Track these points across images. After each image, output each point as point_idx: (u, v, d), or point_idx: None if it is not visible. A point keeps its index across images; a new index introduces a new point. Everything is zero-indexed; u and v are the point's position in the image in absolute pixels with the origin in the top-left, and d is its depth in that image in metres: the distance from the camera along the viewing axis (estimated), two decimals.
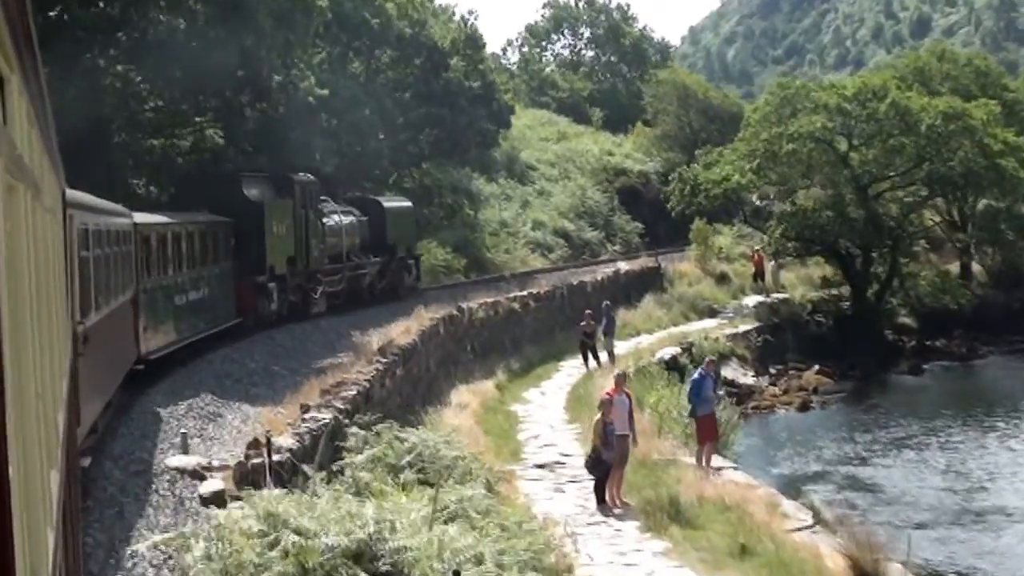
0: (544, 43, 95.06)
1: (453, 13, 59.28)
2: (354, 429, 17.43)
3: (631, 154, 73.40)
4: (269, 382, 23.88)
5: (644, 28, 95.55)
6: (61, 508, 6.41)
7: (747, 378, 39.56)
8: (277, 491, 12.86)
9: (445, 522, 13.33)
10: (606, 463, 18.75)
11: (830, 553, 16.53)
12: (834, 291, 50.22)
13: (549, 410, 28.19)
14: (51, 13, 28.69)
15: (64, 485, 7.10)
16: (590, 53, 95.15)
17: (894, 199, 49.69)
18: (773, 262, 51.60)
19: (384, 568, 11.80)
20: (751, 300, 49.49)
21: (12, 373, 3.87)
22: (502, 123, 52.72)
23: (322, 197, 34.62)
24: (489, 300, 35.26)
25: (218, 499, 14.08)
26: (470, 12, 72.97)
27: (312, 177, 33.82)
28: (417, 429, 19.41)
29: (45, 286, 6.53)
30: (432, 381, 28.16)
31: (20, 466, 3.96)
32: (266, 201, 30.38)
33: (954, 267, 54.96)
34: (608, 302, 35.37)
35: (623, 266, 49.34)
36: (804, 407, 37.89)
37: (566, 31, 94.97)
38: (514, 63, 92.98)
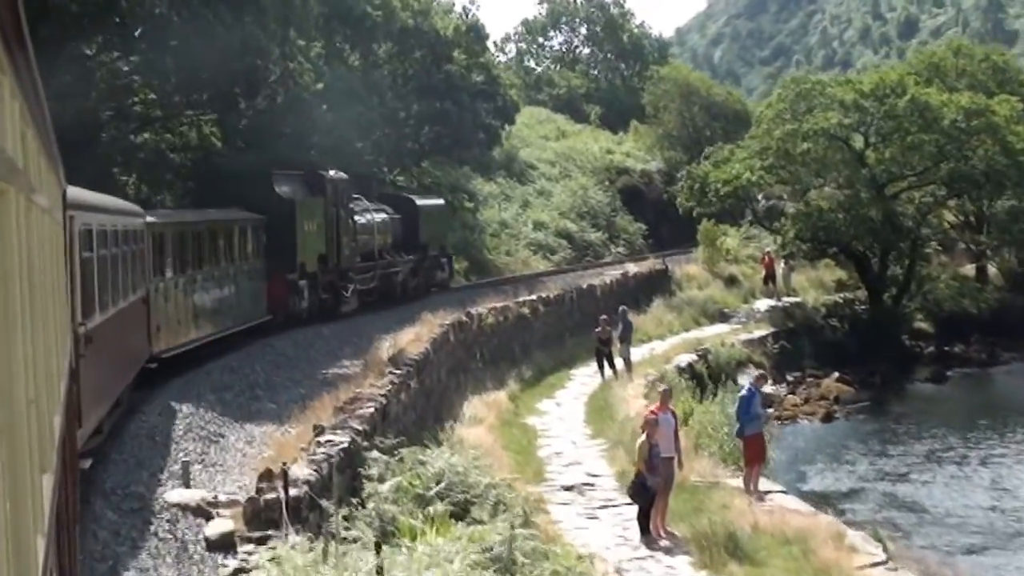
0: (540, 39, 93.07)
1: (453, 3, 57.40)
2: (375, 454, 15.50)
3: (632, 152, 71.78)
4: (271, 395, 22.03)
5: (642, 24, 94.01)
6: (55, 513, 6.40)
7: (767, 387, 37.77)
8: (299, 541, 10.88)
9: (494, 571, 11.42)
10: (651, 489, 16.89)
11: None
12: (849, 295, 48.46)
13: (567, 423, 26.65)
14: None
15: (60, 488, 7.07)
16: (587, 50, 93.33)
17: (910, 199, 47.88)
18: (784, 264, 49.90)
19: None
20: (762, 304, 48.09)
21: (1, 379, 4.09)
22: (507, 119, 50.74)
23: (355, 195, 34.83)
24: (498, 305, 33.43)
25: (226, 542, 12.18)
26: (472, 1, 70.83)
27: (344, 175, 33.94)
28: (437, 449, 17.64)
29: (40, 289, 6.57)
30: (443, 392, 26.25)
31: (5, 472, 4.07)
32: (297, 199, 30.65)
33: (968, 270, 53.20)
34: (624, 307, 33.45)
35: (632, 268, 47.59)
36: (828, 417, 36.06)
37: (563, 27, 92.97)
38: (509, 59, 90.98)
